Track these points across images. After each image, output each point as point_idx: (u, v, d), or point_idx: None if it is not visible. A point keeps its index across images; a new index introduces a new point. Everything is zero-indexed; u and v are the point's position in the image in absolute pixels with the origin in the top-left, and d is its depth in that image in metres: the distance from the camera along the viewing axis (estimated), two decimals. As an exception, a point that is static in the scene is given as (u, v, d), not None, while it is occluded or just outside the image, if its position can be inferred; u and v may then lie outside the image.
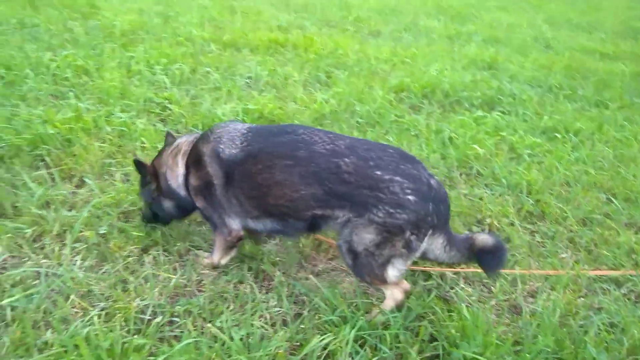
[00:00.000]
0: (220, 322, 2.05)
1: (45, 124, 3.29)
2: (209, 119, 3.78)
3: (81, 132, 3.29)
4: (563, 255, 2.78)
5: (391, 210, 1.98)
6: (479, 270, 2.34)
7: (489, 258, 2.16)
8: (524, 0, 12.67)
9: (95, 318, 1.98)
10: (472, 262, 2.32)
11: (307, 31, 6.70)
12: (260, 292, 2.28)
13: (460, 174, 3.49)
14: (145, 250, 2.48)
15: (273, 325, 2.11)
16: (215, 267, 2.41)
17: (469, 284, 2.50)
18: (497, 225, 2.94)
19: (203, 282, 2.34)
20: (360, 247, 2.06)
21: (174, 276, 2.31)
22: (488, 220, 2.98)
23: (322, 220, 2.13)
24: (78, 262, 2.32)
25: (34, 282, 2.16)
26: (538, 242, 2.89)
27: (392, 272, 2.10)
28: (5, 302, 2.00)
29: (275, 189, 2.12)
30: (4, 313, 1.98)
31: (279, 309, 2.19)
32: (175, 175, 2.39)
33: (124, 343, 1.87)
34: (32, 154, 3.06)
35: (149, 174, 2.45)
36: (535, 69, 6.14)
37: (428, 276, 2.49)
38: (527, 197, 3.24)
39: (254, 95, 4.39)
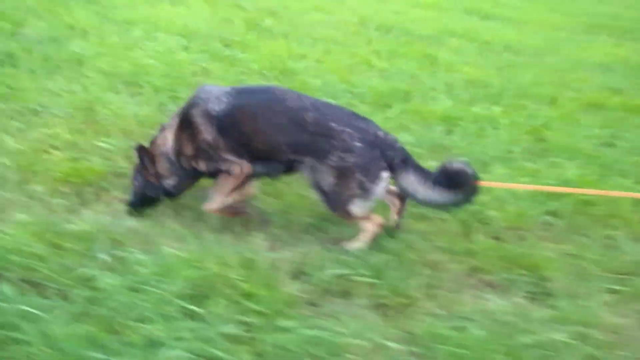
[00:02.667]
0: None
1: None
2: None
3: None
4: None
5: (342, 155, 2.48)
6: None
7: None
8: None
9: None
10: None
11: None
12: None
13: None
14: None
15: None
16: (218, 209, 2.73)
17: None
18: None
19: None
20: (325, 186, 2.57)
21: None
22: None
23: (296, 165, 2.62)
24: None
25: None
26: None
27: (355, 209, 2.59)
28: None
29: (259, 136, 2.60)
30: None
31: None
32: (171, 150, 2.71)
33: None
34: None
35: (146, 159, 2.74)
36: None
37: None
38: None
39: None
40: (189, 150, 2.68)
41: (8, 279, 2.22)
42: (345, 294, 2.43)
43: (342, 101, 4.62)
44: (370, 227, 2.69)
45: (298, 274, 2.49)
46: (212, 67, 5.01)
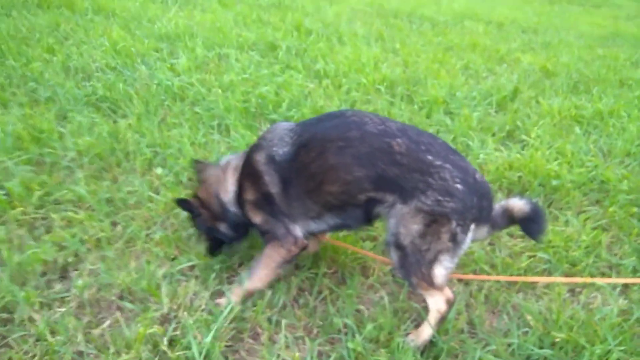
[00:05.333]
0: None
1: None
2: None
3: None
4: None
5: (439, 198, 1.97)
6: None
7: (531, 225, 2.19)
8: None
9: None
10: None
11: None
12: None
13: None
14: None
15: None
16: (252, 293, 2.25)
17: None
18: None
19: None
20: (407, 240, 2.03)
21: None
22: None
23: (376, 205, 2.10)
24: None
25: None
26: None
27: (439, 270, 2.06)
28: None
29: (330, 174, 2.09)
30: None
31: None
32: (227, 192, 2.34)
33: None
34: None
35: (197, 207, 2.39)
36: None
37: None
38: None
39: None
40: (250, 196, 2.25)
41: None
42: None
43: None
44: (442, 305, 2.12)
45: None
46: (320, 89, 4.33)
